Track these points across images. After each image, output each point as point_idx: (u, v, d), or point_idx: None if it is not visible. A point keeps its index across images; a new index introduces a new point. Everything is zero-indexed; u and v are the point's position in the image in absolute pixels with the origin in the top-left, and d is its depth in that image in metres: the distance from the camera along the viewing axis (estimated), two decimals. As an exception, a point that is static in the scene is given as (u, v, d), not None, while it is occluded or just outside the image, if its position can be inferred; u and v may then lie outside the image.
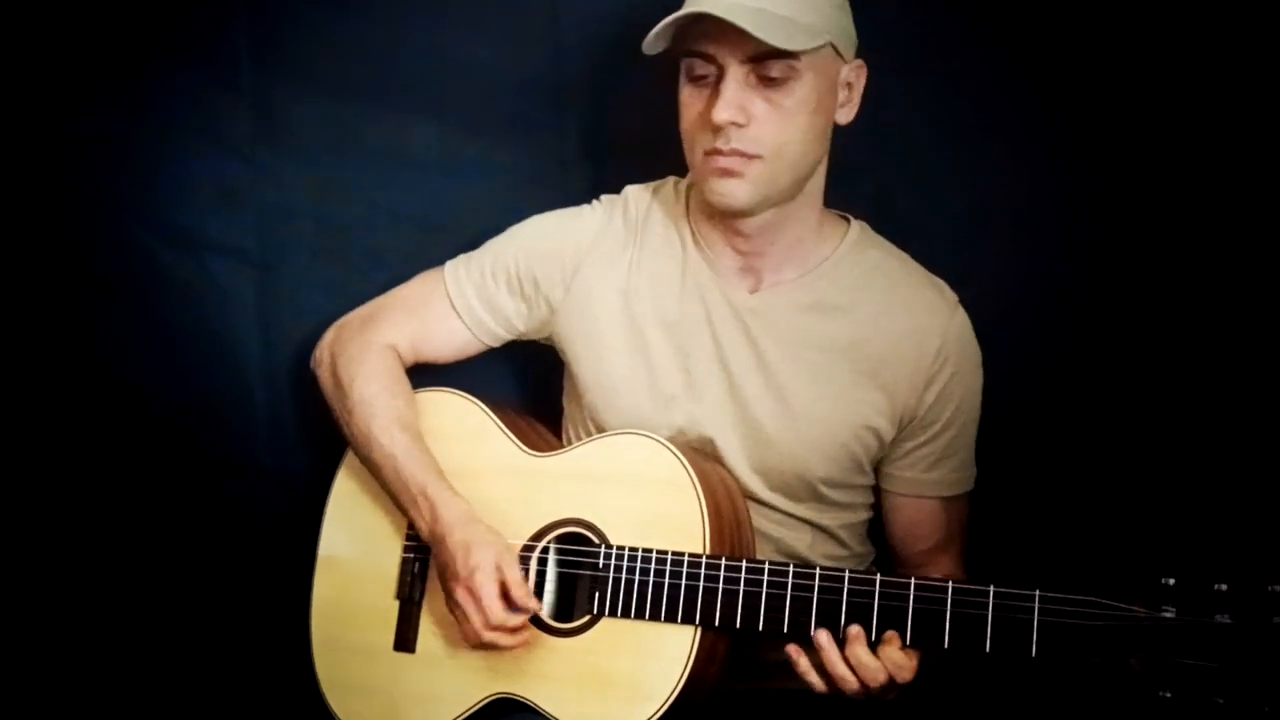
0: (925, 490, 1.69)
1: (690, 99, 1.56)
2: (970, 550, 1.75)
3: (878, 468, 1.70)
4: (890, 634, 1.46)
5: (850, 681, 1.46)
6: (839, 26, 1.55)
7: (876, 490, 1.73)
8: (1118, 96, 1.72)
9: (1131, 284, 1.75)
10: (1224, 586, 1.32)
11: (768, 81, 1.51)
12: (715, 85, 1.52)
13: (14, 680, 2.01)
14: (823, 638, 1.47)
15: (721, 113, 1.51)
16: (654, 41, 1.53)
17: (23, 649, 2.01)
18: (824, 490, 1.66)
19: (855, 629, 1.46)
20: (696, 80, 1.55)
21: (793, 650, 1.49)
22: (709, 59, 1.52)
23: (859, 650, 1.46)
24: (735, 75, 1.51)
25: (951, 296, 1.66)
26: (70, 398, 1.97)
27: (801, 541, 1.68)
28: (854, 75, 1.59)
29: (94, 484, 2.00)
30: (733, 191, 1.55)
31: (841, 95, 1.58)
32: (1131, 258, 1.74)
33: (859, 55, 1.60)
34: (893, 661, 1.45)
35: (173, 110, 1.90)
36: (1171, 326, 1.73)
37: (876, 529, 1.76)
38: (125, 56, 1.88)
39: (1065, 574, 1.45)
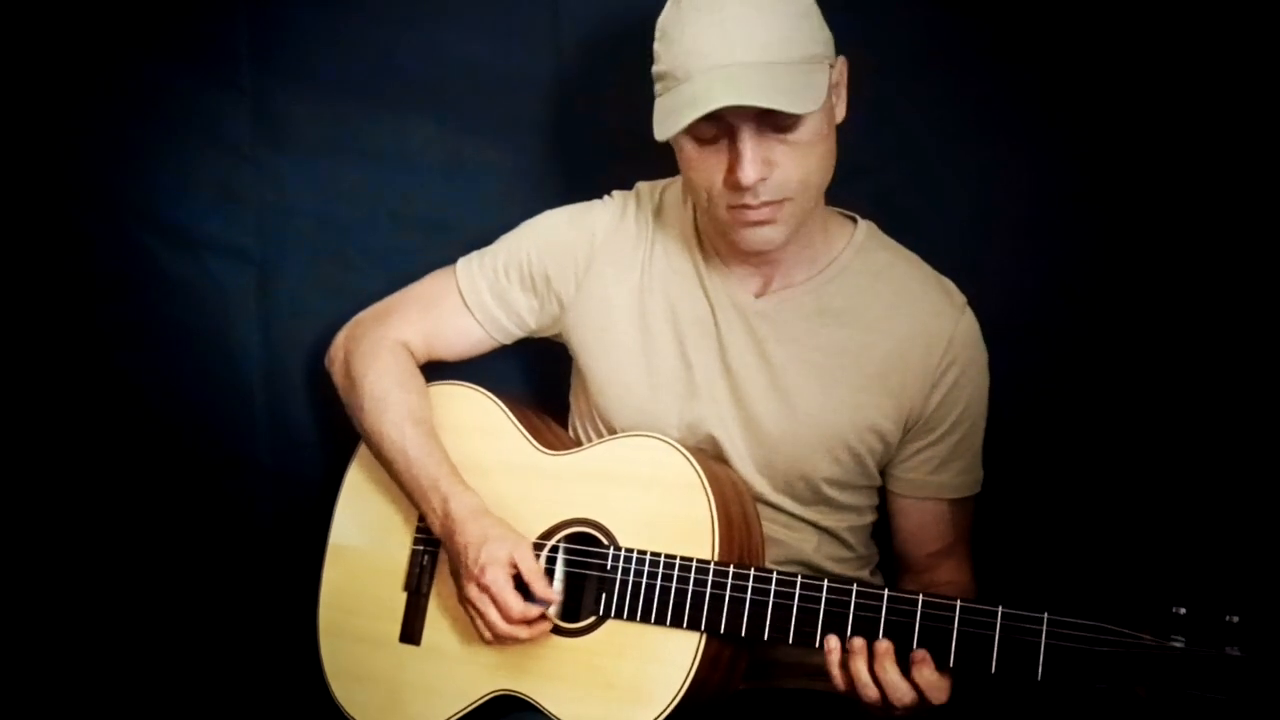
0: (931, 492, 1.68)
1: (700, 160, 1.51)
2: (975, 558, 1.74)
3: (884, 470, 1.69)
4: (922, 654, 1.42)
5: (871, 690, 1.43)
6: (827, 38, 1.52)
7: (882, 492, 1.72)
8: (1119, 96, 1.72)
9: (1134, 284, 1.75)
10: (1236, 618, 1.29)
11: (781, 128, 1.46)
12: (729, 144, 1.47)
13: (16, 679, 2.01)
14: (856, 643, 1.45)
15: (749, 174, 1.46)
16: (673, 131, 1.46)
17: (25, 648, 2.02)
18: (830, 492, 1.66)
19: (885, 645, 1.43)
20: (705, 142, 1.50)
21: (832, 639, 1.46)
22: (717, 120, 1.46)
23: (888, 666, 1.43)
24: (749, 132, 1.46)
25: (960, 298, 1.65)
26: (70, 397, 1.98)
27: (807, 543, 1.68)
28: (839, 74, 1.55)
29: (92, 482, 2.00)
30: (768, 238, 1.53)
31: (834, 98, 1.55)
32: (1133, 258, 1.74)
33: (838, 50, 1.55)
34: (927, 682, 1.42)
35: (173, 110, 1.90)
36: (1176, 327, 1.73)
37: (881, 531, 1.76)
38: (125, 57, 1.89)
39: (1069, 585, 1.45)
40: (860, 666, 1.44)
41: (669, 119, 1.47)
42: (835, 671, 1.46)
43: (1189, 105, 1.69)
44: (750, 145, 1.46)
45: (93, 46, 1.88)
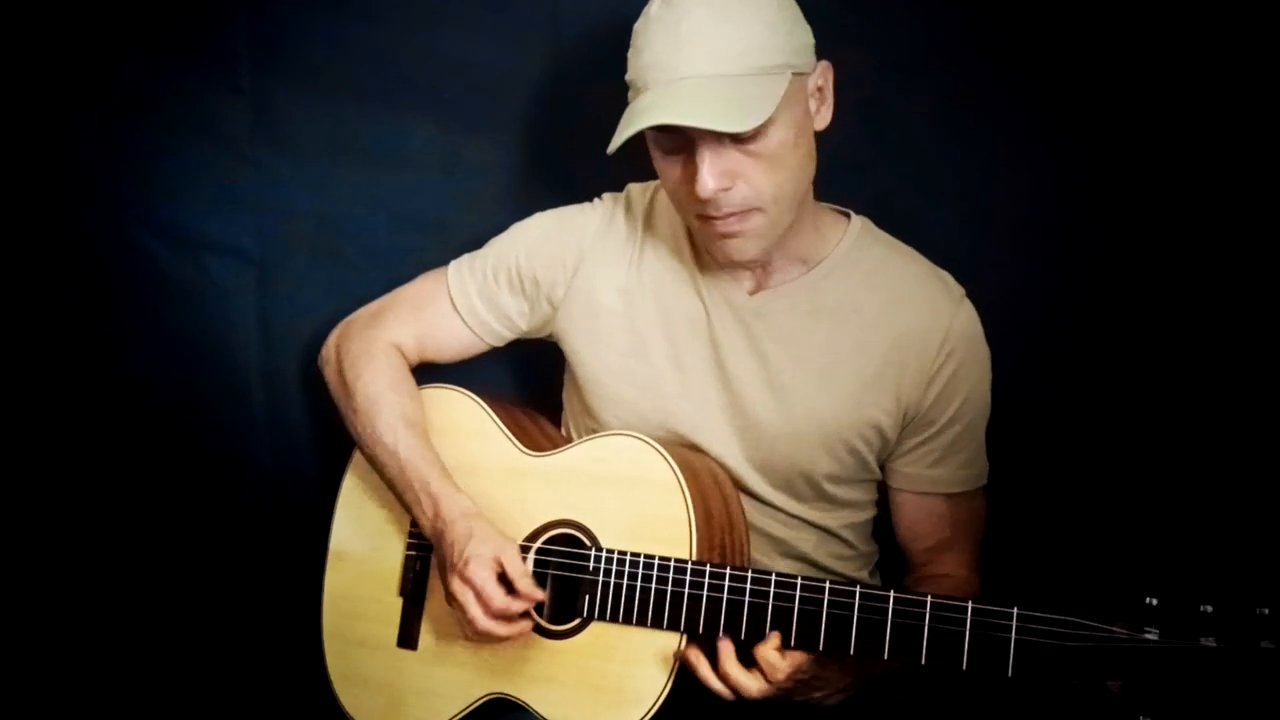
0: (928, 486, 1.67)
1: (667, 168, 1.51)
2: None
3: (882, 465, 1.68)
4: (772, 634, 1.46)
5: (724, 694, 1.48)
6: (797, 46, 1.48)
7: (882, 487, 1.71)
8: (1118, 95, 1.71)
9: (1131, 285, 1.74)
10: (1209, 608, 1.27)
11: (742, 140, 1.44)
12: (689, 154, 1.46)
13: (16, 679, 2.02)
14: (691, 656, 1.50)
15: (706, 187, 1.45)
16: (617, 145, 1.46)
17: (25, 648, 2.02)
18: (829, 488, 1.66)
19: (724, 644, 1.48)
20: (669, 152, 1.50)
21: (691, 655, 1.51)
22: (677, 131, 1.45)
23: (729, 666, 1.47)
24: (708, 144, 1.44)
25: (957, 290, 1.64)
26: (70, 397, 1.99)
27: (807, 542, 1.68)
28: (821, 79, 1.52)
29: (92, 482, 2.01)
30: (739, 249, 1.52)
31: (813, 104, 1.52)
32: (1131, 258, 1.73)
33: (821, 45, 1.52)
34: (766, 661, 1.46)
35: (173, 110, 1.91)
36: (1172, 328, 1.72)
37: (883, 529, 1.75)
38: (125, 57, 1.89)
39: (1049, 582, 1.44)
40: (707, 675, 1.49)
41: (617, 133, 1.47)
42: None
43: (1189, 104, 1.68)
44: (708, 157, 1.45)
45: (93, 46, 1.88)
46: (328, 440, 1.91)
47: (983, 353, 1.65)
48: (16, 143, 1.91)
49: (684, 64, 1.43)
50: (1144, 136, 1.70)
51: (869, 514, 1.72)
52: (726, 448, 1.65)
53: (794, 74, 1.47)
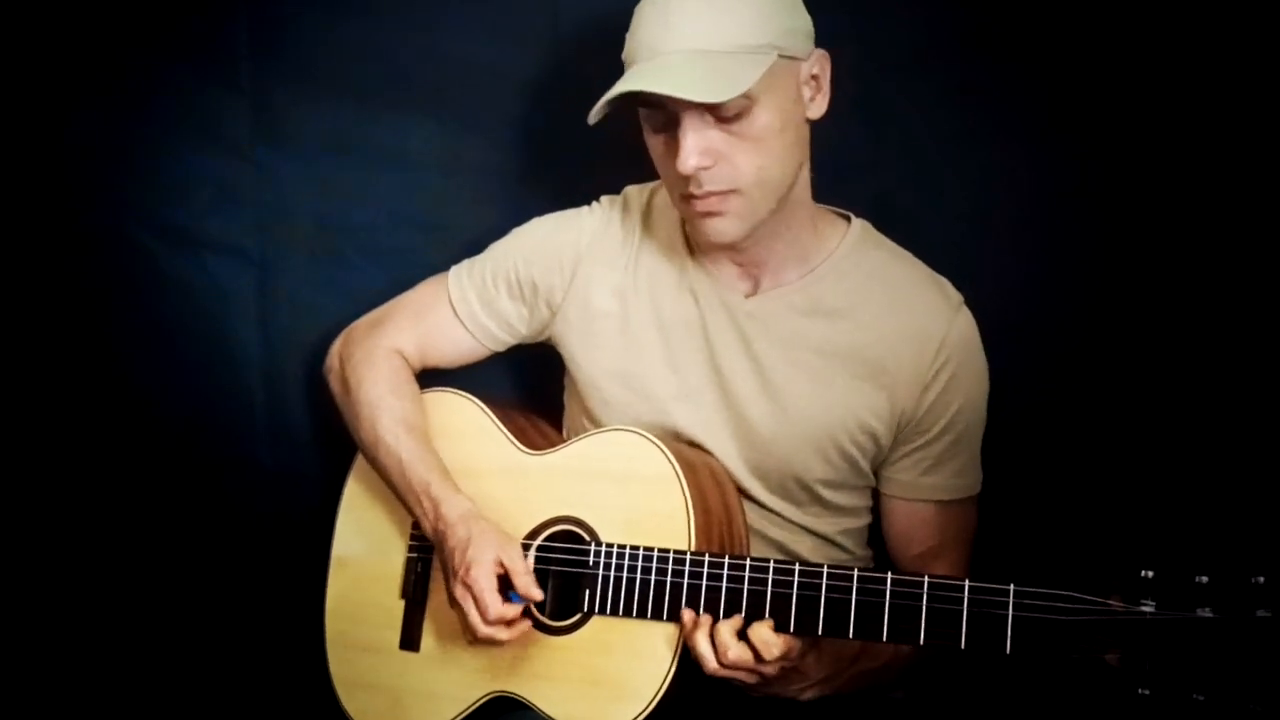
0: (920, 494, 1.66)
1: (655, 145, 1.53)
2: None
3: (876, 471, 1.68)
4: (766, 620, 1.46)
5: (708, 661, 1.47)
6: (786, 29, 1.47)
7: (875, 494, 1.71)
8: (1118, 95, 1.71)
9: (1129, 285, 1.74)
10: (1205, 579, 1.27)
11: (725, 119, 1.46)
12: (674, 131, 1.47)
13: (17, 680, 2.02)
14: (686, 617, 1.49)
15: (686, 163, 1.46)
16: (597, 114, 1.48)
17: (25, 649, 2.02)
18: (823, 492, 1.65)
19: (735, 619, 1.47)
20: (656, 129, 1.51)
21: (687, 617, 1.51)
22: (662, 108, 1.47)
23: (723, 632, 1.46)
24: (691, 121, 1.46)
25: (956, 297, 1.63)
26: (70, 397, 1.99)
27: (802, 545, 1.68)
28: (817, 67, 1.51)
29: (92, 482, 2.01)
30: (720, 229, 1.53)
31: (807, 92, 1.52)
32: (1132, 257, 1.73)
33: (819, 43, 1.53)
34: (760, 639, 1.45)
35: (173, 110, 1.91)
36: (1167, 326, 1.72)
37: (878, 535, 1.74)
38: (125, 56, 1.89)
39: (1046, 565, 1.43)
40: (700, 637, 1.48)
41: (596, 111, 1.48)
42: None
43: (1189, 104, 1.67)
44: (690, 134, 1.46)
45: (93, 46, 1.89)
46: (328, 441, 1.91)
47: (979, 361, 1.65)
48: (17, 143, 1.91)
49: (670, 40, 1.45)
50: (1144, 136, 1.70)
51: (864, 521, 1.72)
52: (724, 451, 1.65)
53: (781, 56, 1.47)
